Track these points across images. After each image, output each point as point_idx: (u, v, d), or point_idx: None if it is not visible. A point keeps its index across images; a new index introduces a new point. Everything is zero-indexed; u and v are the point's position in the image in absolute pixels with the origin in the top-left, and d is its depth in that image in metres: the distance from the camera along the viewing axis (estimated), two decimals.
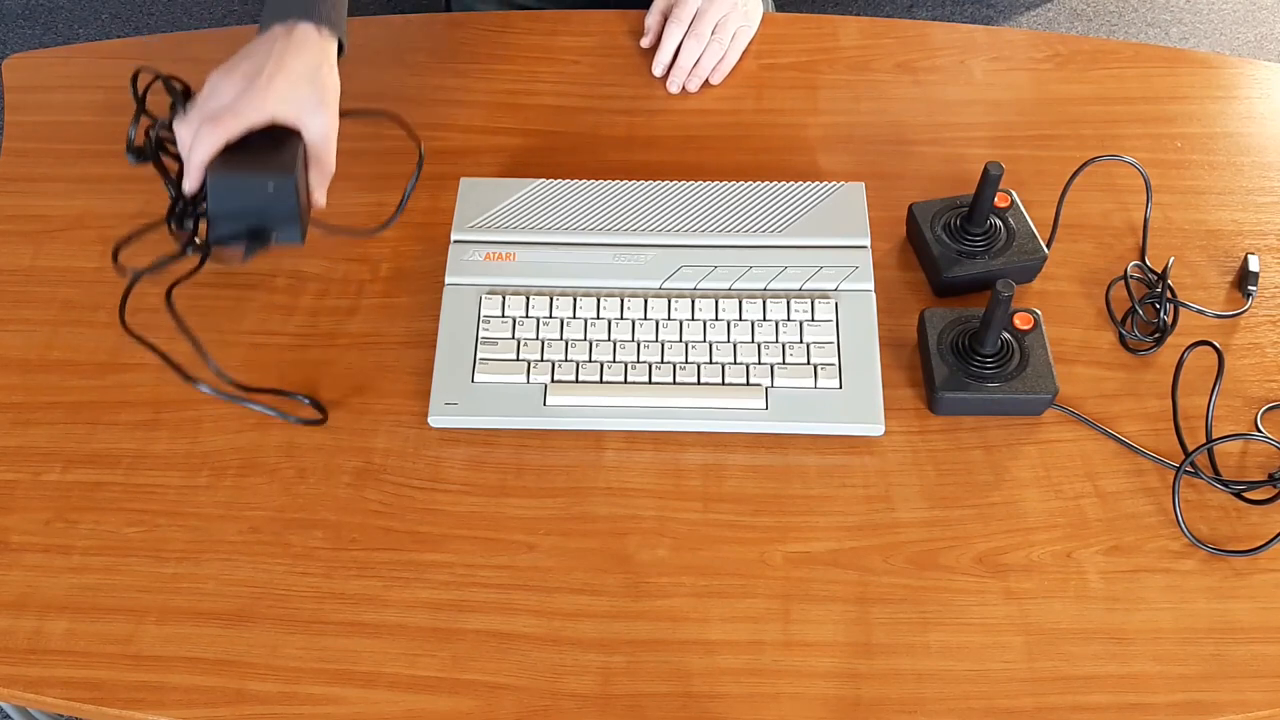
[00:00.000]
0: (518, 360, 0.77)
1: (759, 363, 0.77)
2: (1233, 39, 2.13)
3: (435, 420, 0.76)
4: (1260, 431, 0.77)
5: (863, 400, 0.76)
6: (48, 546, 0.72)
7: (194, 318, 0.81)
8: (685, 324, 0.79)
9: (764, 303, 0.79)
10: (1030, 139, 0.94)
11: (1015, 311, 0.76)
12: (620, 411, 0.76)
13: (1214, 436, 0.75)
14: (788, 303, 0.79)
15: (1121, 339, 0.82)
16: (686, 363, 0.77)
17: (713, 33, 0.98)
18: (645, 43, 1.00)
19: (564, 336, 0.78)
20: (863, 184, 0.85)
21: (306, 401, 0.76)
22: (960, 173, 0.92)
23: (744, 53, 1.00)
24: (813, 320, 0.79)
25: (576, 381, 0.77)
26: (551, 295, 0.80)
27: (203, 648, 0.68)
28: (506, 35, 1.03)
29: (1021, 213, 0.85)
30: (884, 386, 0.77)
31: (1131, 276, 0.84)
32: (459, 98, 0.97)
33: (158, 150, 0.77)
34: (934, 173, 0.92)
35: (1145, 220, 0.88)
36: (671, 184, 0.85)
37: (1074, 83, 0.99)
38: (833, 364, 0.77)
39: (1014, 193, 0.85)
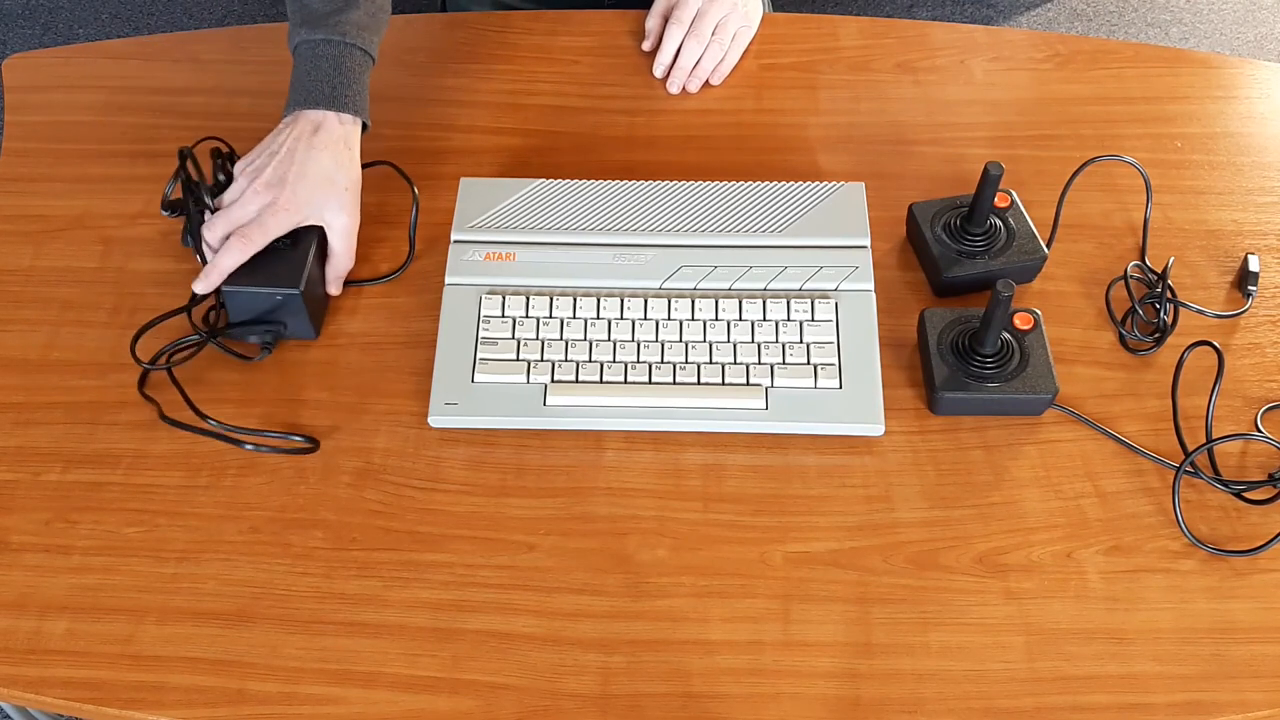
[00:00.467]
0: (518, 360, 0.77)
1: (759, 363, 0.77)
2: (1233, 39, 2.13)
3: (435, 420, 0.76)
4: (1260, 431, 0.77)
5: (863, 400, 0.76)
6: (48, 546, 0.72)
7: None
8: (685, 324, 0.79)
9: (764, 303, 0.79)
10: (1030, 139, 0.94)
11: (1015, 311, 0.76)
12: (620, 411, 0.76)
13: (1214, 436, 0.75)
14: (788, 303, 0.79)
15: (1121, 339, 0.82)
16: (686, 363, 0.77)
17: (713, 34, 0.98)
18: (647, 46, 1.00)
19: (564, 336, 0.78)
20: (863, 184, 0.85)
21: (298, 439, 0.76)
22: (960, 173, 0.92)
23: (744, 53, 1.01)
24: (813, 320, 0.79)
25: (576, 381, 0.77)
26: (551, 295, 0.80)
27: (203, 648, 0.68)
28: (506, 35, 1.03)
29: (1021, 213, 0.85)
30: (884, 386, 0.77)
31: (1131, 276, 0.84)
32: (459, 98, 0.97)
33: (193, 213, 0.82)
34: (934, 173, 0.92)
35: (1145, 220, 0.88)
36: (671, 184, 0.85)
37: (1074, 83, 0.99)
38: (833, 364, 0.77)
39: (1014, 193, 0.85)
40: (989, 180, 0.79)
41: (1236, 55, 2.06)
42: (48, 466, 0.76)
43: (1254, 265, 0.84)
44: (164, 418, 0.76)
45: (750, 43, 1.01)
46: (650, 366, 0.77)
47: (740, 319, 0.79)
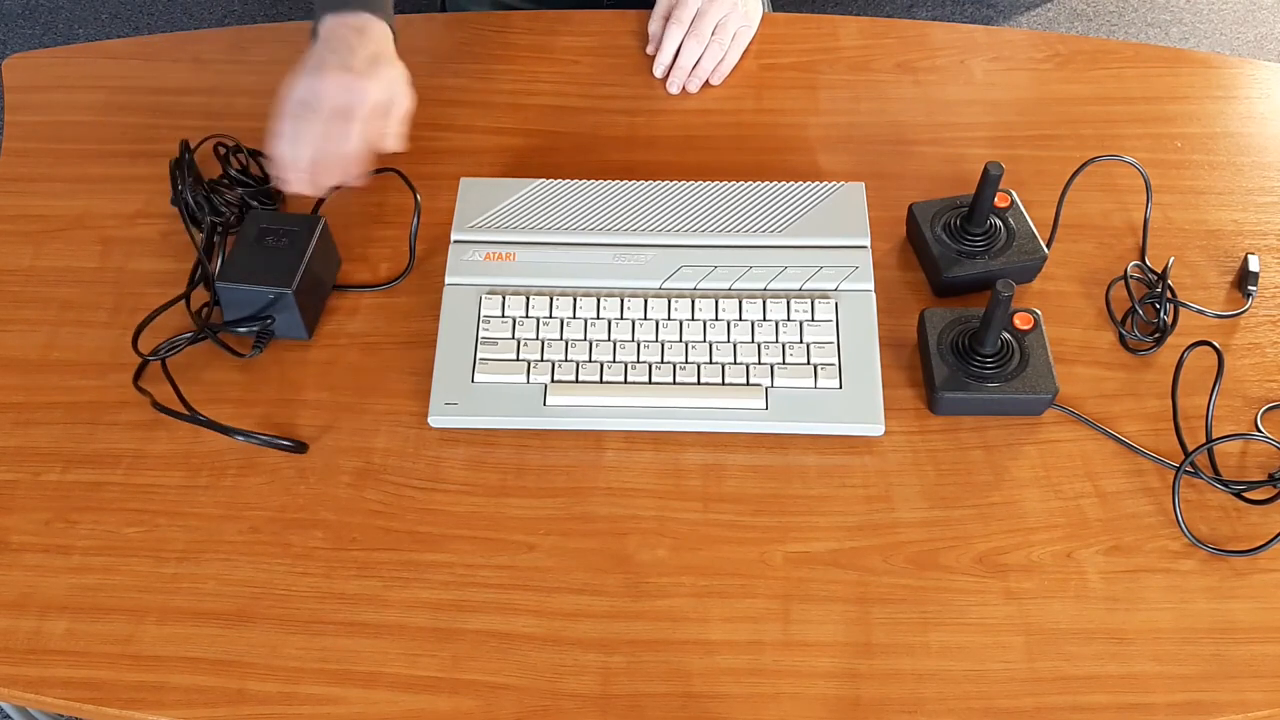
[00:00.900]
0: (518, 360, 0.78)
1: (759, 363, 0.77)
2: (1233, 39, 2.13)
3: (435, 420, 0.76)
4: (1260, 431, 0.77)
5: (863, 400, 0.76)
6: (48, 546, 0.72)
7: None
8: (685, 324, 0.79)
9: (764, 303, 0.79)
10: (1030, 139, 0.94)
11: (1015, 311, 0.76)
12: (620, 411, 0.76)
13: (1214, 436, 0.75)
14: (788, 303, 0.79)
15: (1121, 339, 0.82)
16: (686, 363, 0.77)
17: (713, 33, 0.98)
18: (651, 49, 1.00)
19: (564, 336, 0.78)
20: (863, 184, 0.85)
21: (287, 444, 0.76)
22: (960, 173, 0.92)
23: (744, 53, 1.01)
24: (813, 320, 0.79)
25: (576, 381, 0.77)
26: (551, 295, 0.80)
27: (203, 648, 0.68)
28: (506, 35, 1.03)
29: (1021, 213, 0.85)
30: (884, 386, 0.77)
31: (1131, 276, 0.84)
32: (459, 98, 0.97)
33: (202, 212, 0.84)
34: (934, 173, 0.92)
35: (1145, 220, 0.88)
36: (671, 184, 0.85)
37: (1074, 83, 0.99)
38: (833, 364, 0.77)
39: (1014, 193, 0.85)
40: (989, 180, 0.79)
41: (1236, 55, 2.06)
42: (48, 466, 0.76)
43: (1254, 265, 0.84)
44: (156, 405, 0.76)
45: (750, 43, 1.01)
46: (650, 366, 0.77)
47: (740, 319, 0.79)
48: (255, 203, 0.87)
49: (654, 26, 1.01)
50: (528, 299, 0.80)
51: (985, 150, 0.93)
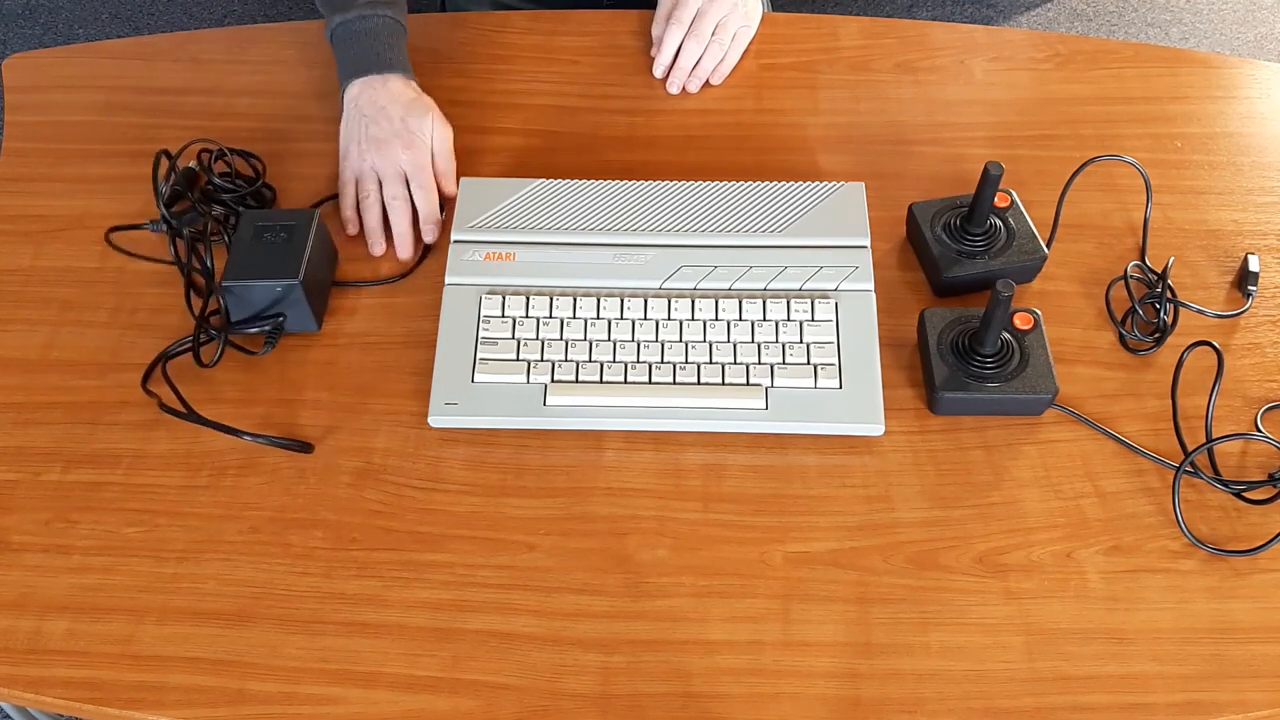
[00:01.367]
0: (518, 360, 0.77)
1: (759, 363, 0.77)
2: (1233, 39, 2.13)
3: (435, 420, 0.76)
4: (1260, 431, 0.77)
5: (863, 400, 0.76)
6: (48, 546, 0.72)
7: None
8: (685, 324, 0.79)
9: (764, 303, 0.79)
10: (1030, 139, 0.94)
11: (1015, 311, 0.76)
12: (620, 411, 0.76)
13: (1214, 436, 0.75)
14: (788, 303, 0.79)
15: (1121, 339, 0.82)
16: (686, 363, 0.77)
17: (713, 34, 0.98)
18: (655, 53, 1.00)
19: (564, 336, 0.78)
20: (863, 184, 0.85)
21: (293, 445, 0.75)
22: (960, 173, 0.92)
23: (744, 53, 1.01)
24: (813, 320, 0.79)
25: (576, 381, 0.77)
26: (551, 295, 0.80)
27: (203, 648, 0.68)
28: (506, 35, 1.03)
29: (1021, 213, 0.85)
30: (884, 386, 0.77)
31: (1131, 276, 0.84)
32: (459, 98, 0.97)
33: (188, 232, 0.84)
34: (934, 173, 0.92)
35: (1145, 220, 0.88)
36: (671, 184, 0.85)
37: (1074, 83, 0.99)
38: (833, 364, 0.77)
39: (1014, 193, 0.85)
40: (989, 180, 0.79)
41: (1236, 55, 2.06)
42: (48, 466, 0.76)
43: (1254, 265, 0.84)
44: (164, 407, 0.76)
45: (750, 43, 1.01)
46: (650, 366, 0.77)
47: (740, 319, 0.79)
48: (244, 205, 0.86)
49: (657, 30, 1.01)
50: (528, 299, 0.80)
51: (985, 150, 0.93)
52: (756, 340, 0.78)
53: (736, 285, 0.80)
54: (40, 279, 0.85)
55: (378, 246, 0.86)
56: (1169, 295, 0.82)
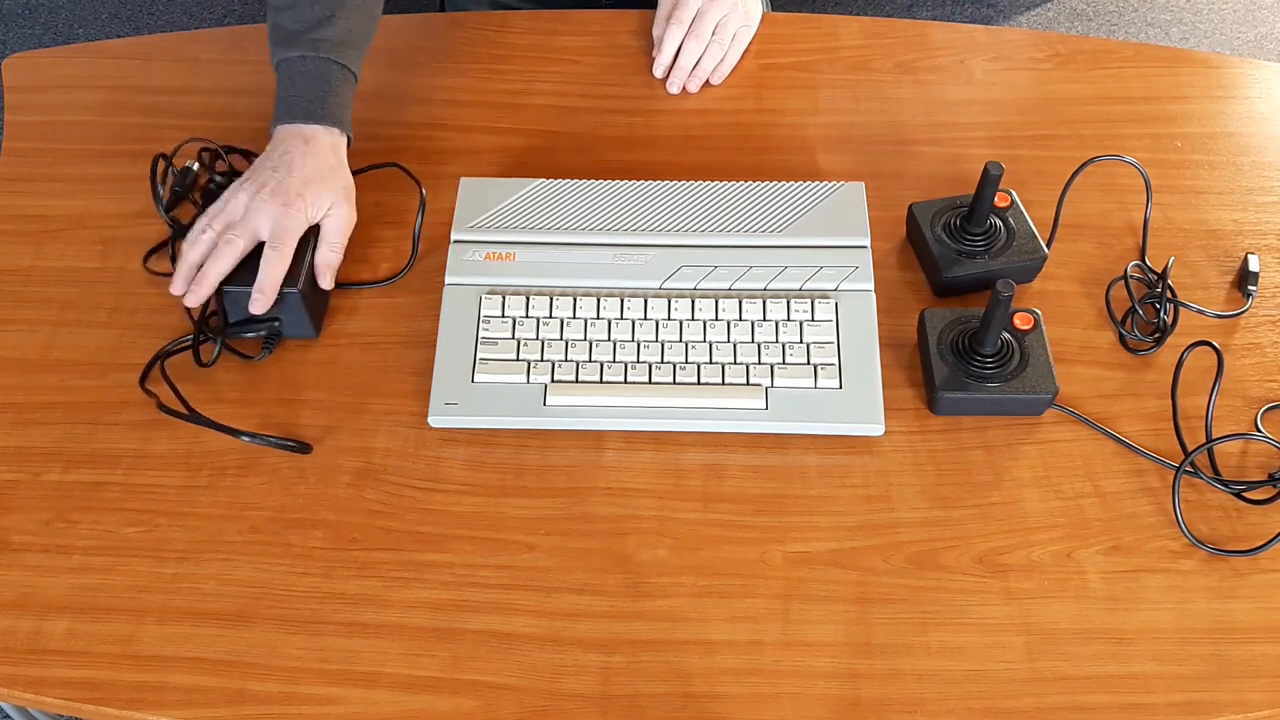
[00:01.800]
0: (518, 360, 0.77)
1: (759, 363, 0.77)
2: (1233, 39, 2.13)
3: (435, 420, 0.76)
4: (1260, 431, 0.77)
5: (863, 400, 0.76)
6: (48, 546, 0.72)
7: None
8: (685, 324, 0.79)
9: (764, 303, 0.79)
10: (1030, 139, 0.94)
11: (1015, 311, 0.76)
12: (620, 411, 0.76)
13: (1214, 436, 0.75)
14: (788, 303, 0.79)
15: (1121, 339, 0.82)
16: (686, 363, 0.77)
17: (713, 33, 0.98)
18: (655, 53, 1.00)
19: (564, 336, 0.78)
20: (863, 184, 0.85)
21: (292, 445, 0.75)
22: (960, 173, 0.92)
23: (744, 53, 1.00)
24: (813, 320, 0.79)
25: (576, 381, 0.77)
26: (551, 295, 0.80)
27: (203, 648, 0.68)
28: (506, 35, 1.03)
29: (1021, 213, 0.85)
30: (884, 386, 0.77)
31: (1131, 276, 0.84)
32: (459, 98, 0.97)
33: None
34: (934, 173, 0.92)
35: (1145, 220, 0.88)
36: (671, 184, 0.85)
37: (1074, 83, 0.99)
38: (833, 364, 0.77)
39: (1014, 193, 0.85)
40: (989, 180, 0.79)
41: (1236, 55, 2.06)
42: (48, 466, 0.76)
43: (1254, 265, 0.84)
44: (162, 407, 0.75)
45: (750, 43, 1.01)
46: (650, 366, 0.77)
47: (740, 319, 0.79)
48: None
49: (657, 30, 1.01)
50: (528, 299, 0.80)
51: (985, 150, 0.93)
52: (756, 340, 0.78)
53: (736, 285, 0.80)
54: (40, 279, 0.85)
55: (178, 285, 0.78)
56: (1169, 295, 0.82)
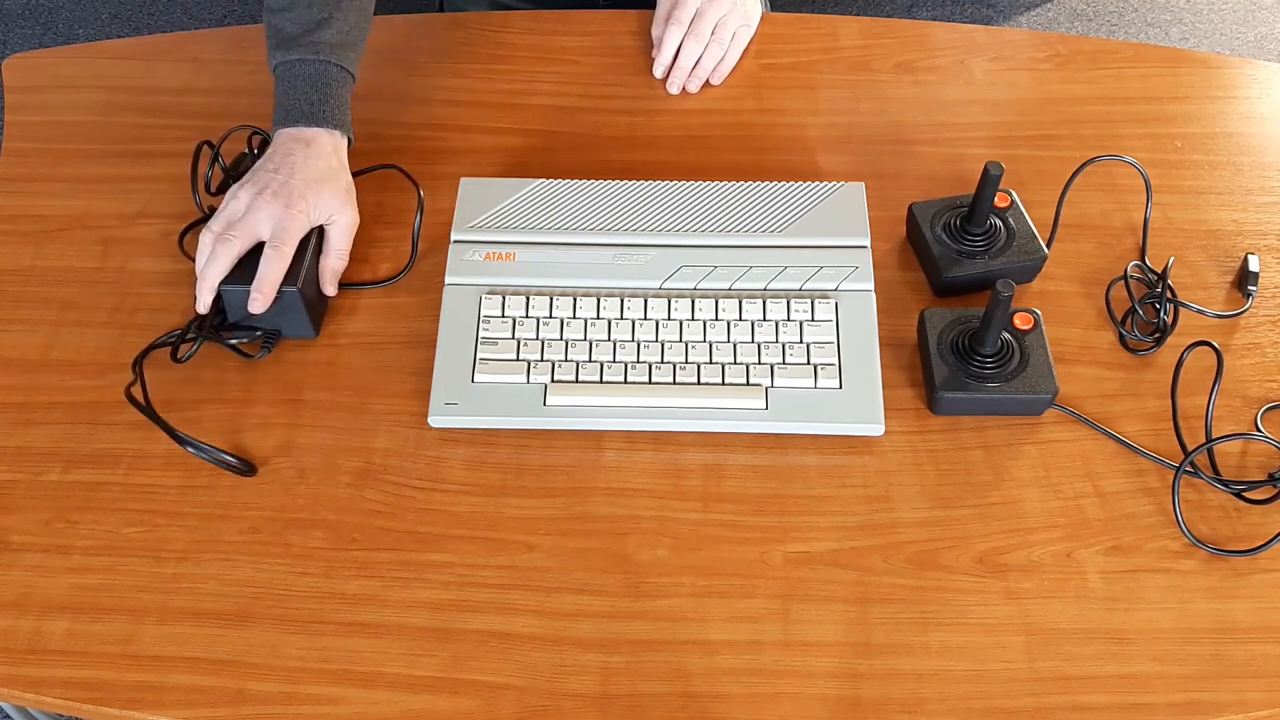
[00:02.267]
0: (518, 360, 0.77)
1: (759, 363, 0.77)
2: (1233, 39, 2.13)
3: (435, 420, 0.76)
4: (1260, 431, 0.77)
5: (863, 400, 0.76)
6: (48, 546, 0.72)
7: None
8: (685, 324, 0.79)
9: (764, 303, 0.79)
10: (1030, 139, 0.94)
11: (1015, 311, 0.76)
12: (620, 411, 0.76)
13: (1214, 436, 0.75)
14: (788, 303, 0.79)
15: (1121, 339, 0.82)
16: (686, 363, 0.77)
17: (712, 33, 0.98)
18: (655, 53, 1.00)
19: (564, 336, 0.78)
20: (863, 184, 0.85)
21: (234, 460, 0.74)
22: (960, 173, 0.92)
23: (744, 53, 1.01)
24: (813, 320, 0.79)
25: (576, 381, 0.77)
26: (551, 295, 0.80)
27: (203, 648, 0.68)
28: (506, 35, 1.03)
29: (1021, 213, 0.85)
30: (884, 386, 0.77)
31: (1131, 276, 0.84)
32: (459, 98, 0.97)
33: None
34: (934, 173, 0.92)
35: (1145, 220, 0.88)
36: (671, 184, 0.85)
37: (1074, 83, 0.99)
38: (833, 364, 0.77)
39: (1014, 193, 0.85)
40: (989, 180, 0.79)
41: (1236, 55, 2.06)
42: (48, 466, 0.76)
43: (1254, 265, 0.84)
44: (131, 400, 0.75)
45: (750, 42, 1.01)
46: (650, 366, 0.77)
47: (740, 319, 0.79)
48: None
49: (657, 31, 1.01)
50: (528, 299, 0.80)
51: (985, 150, 0.93)
52: (756, 340, 0.78)
53: (736, 285, 0.80)
54: (40, 279, 0.85)
55: (204, 301, 0.78)
56: (1169, 295, 0.82)
